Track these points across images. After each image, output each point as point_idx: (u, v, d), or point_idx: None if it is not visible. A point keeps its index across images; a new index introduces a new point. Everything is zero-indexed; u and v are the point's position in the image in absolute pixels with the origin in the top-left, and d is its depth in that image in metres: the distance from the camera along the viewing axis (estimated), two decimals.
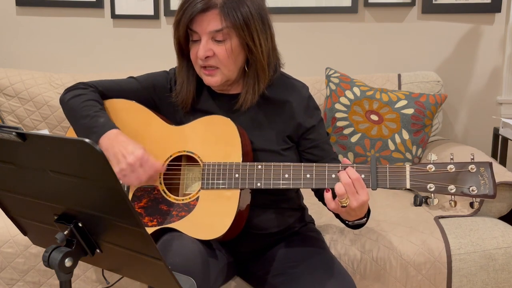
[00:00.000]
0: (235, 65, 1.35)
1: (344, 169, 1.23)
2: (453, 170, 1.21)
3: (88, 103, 1.39)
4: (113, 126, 1.35)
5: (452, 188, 1.20)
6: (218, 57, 1.32)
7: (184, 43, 1.36)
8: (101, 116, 1.36)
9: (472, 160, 1.22)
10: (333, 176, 1.26)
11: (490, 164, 1.21)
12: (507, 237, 1.66)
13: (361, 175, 1.22)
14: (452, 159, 1.24)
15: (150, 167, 1.30)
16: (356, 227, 1.34)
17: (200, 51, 1.31)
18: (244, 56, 1.36)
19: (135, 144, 1.31)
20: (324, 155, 1.44)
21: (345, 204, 1.20)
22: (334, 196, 1.22)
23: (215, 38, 1.31)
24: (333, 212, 1.30)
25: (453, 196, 1.22)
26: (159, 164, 1.33)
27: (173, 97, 1.44)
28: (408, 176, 1.23)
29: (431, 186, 1.22)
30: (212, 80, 1.36)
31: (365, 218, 1.31)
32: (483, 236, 1.66)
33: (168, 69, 1.52)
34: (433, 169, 1.22)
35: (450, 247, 1.62)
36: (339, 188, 1.19)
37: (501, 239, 1.65)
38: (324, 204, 1.46)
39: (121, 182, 1.37)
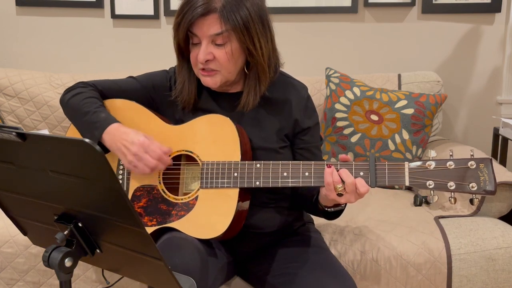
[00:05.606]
0: (235, 67, 1.35)
1: (339, 170, 1.23)
2: (453, 166, 1.19)
3: (88, 100, 1.40)
4: (113, 120, 1.36)
5: (451, 184, 1.19)
6: (218, 60, 1.32)
7: (184, 45, 1.36)
8: (102, 112, 1.37)
9: (472, 157, 1.20)
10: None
11: (490, 160, 1.19)
12: (507, 237, 1.66)
13: (359, 172, 1.23)
14: (451, 155, 1.22)
15: (155, 150, 1.31)
16: (335, 214, 1.36)
17: (200, 55, 1.31)
18: (244, 58, 1.36)
19: (136, 132, 1.32)
20: (312, 159, 1.45)
21: (341, 193, 1.21)
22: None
23: (215, 41, 1.31)
24: (313, 200, 1.35)
25: (453, 193, 1.20)
26: (164, 146, 1.34)
27: (172, 96, 1.44)
28: (407, 173, 1.21)
29: (431, 183, 1.20)
30: (210, 81, 1.36)
31: (344, 205, 1.33)
32: (483, 236, 1.66)
33: (167, 69, 1.52)
34: (433, 165, 1.20)
35: (450, 247, 1.62)
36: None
37: (501, 239, 1.65)
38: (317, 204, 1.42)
39: (134, 173, 1.37)
